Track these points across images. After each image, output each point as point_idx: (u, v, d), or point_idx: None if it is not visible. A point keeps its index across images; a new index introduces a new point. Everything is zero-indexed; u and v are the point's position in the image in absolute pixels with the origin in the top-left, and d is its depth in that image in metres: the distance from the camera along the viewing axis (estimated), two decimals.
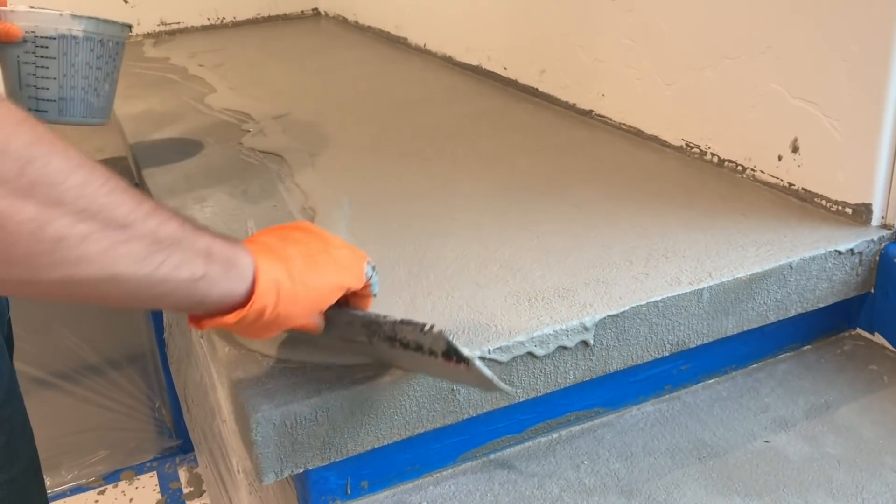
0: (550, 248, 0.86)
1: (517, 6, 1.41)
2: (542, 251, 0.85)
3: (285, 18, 2.35)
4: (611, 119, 1.23)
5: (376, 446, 0.68)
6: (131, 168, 1.39)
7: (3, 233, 0.42)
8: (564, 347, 0.72)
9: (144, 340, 2.03)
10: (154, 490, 1.96)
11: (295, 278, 0.58)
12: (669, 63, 1.08)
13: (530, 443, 0.77)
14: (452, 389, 0.69)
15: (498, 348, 0.69)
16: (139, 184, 1.28)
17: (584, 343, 0.73)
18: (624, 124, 1.20)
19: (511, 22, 1.44)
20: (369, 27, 2.09)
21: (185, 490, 1.96)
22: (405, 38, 1.88)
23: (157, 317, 1.88)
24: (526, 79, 1.43)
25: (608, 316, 0.73)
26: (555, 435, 0.78)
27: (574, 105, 1.31)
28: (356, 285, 0.63)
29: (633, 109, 1.18)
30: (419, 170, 1.12)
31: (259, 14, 2.32)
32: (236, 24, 2.18)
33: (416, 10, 1.82)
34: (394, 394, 0.66)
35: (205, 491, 1.95)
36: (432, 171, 1.11)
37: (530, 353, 0.71)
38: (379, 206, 1.01)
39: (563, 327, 0.72)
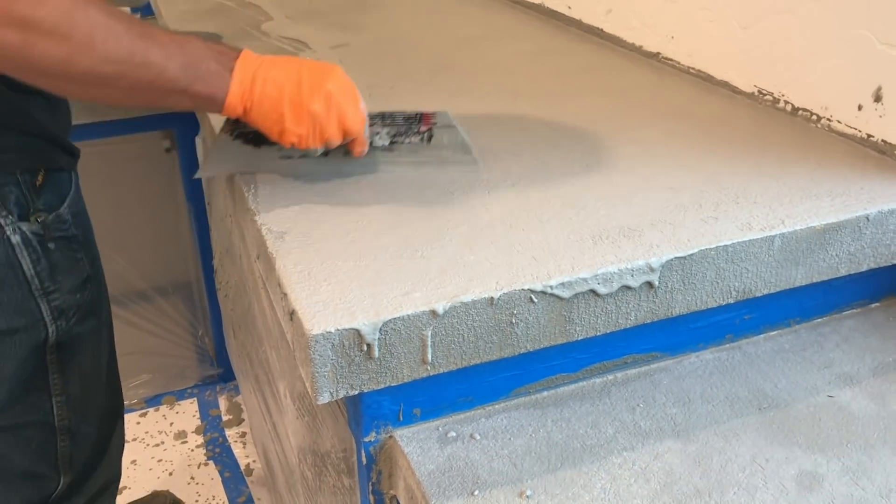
0: (615, 188, 0.83)
1: None
2: (606, 191, 0.83)
3: None
4: (679, 62, 1.18)
5: (431, 374, 0.67)
6: None
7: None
8: (628, 287, 0.70)
9: (191, 269, 2.05)
10: (194, 416, 2.00)
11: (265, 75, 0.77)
12: (747, 4, 1.04)
13: (585, 383, 0.76)
14: (511, 322, 0.67)
15: (560, 284, 0.67)
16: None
17: (649, 284, 0.71)
18: (693, 68, 1.16)
19: None
20: None
21: (225, 418, 2.00)
22: None
23: (205, 246, 1.89)
24: (591, 18, 1.38)
25: (675, 258, 0.71)
26: (610, 377, 0.77)
27: (640, 47, 1.26)
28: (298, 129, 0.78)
29: (704, 53, 1.14)
30: (478, 105, 1.09)
31: None
32: None
33: None
34: (452, 322, 0.65)
35: (244, 420, 1.98)
36: (491, 106, 1.08)
37: (593, 291, 0.69)
38: None
39: (629, 266, 0.69)
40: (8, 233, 0.89)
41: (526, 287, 0.67)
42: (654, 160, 0.90)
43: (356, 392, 0.65)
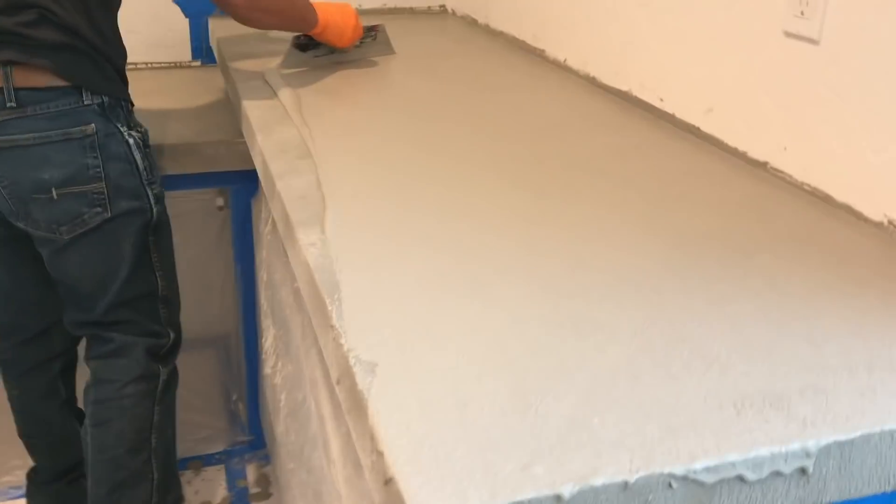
0: (748, 335, 0.73)
1: (683, 31, 1.28)
2: (738, 338, 0.73)
3: (411, 12, 2.26)
4: (791, 176, 1.09)
5: None
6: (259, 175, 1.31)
7: None
8: (779, 473, 0.60)
9: (231, 330, 1.97)
10: (220, 485, 1.90)
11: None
12: (882, 125, 0.94)
13: None
14: None
15: (705, 468, 0.57)
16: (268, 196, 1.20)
17: (802, 470, 0.60)
18: (807, 185, 1.06)
19: (673, 48, 1.30)
20: (501, 32, 1.97)
21: (252, 490, 1.89)
22: (542, 50, 1.77)
23: (248, 309, 1.81)
24: (686, 115, 1.29)
25: (835, 442, 0.61)
26: None
27: (745, 153, 1.17)
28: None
29: (823, 169, 1.04)
30: (572, 213, 1.00)
31: (385, 4, 2.23)
32: (361, 13, 2.10)
33: (559, 22, 1.69)
34: None
35: (272, 494, 1.88)
36: (587, 214, 0.99)
37: (740, 477, 0.59)
38: (533, 257, 0.89)
39: (782, 450, 0.59)
40: (126, 136, 1.26)
41: (666, 471, 0.57)
42: (784, 300, 0.80)
43: None
